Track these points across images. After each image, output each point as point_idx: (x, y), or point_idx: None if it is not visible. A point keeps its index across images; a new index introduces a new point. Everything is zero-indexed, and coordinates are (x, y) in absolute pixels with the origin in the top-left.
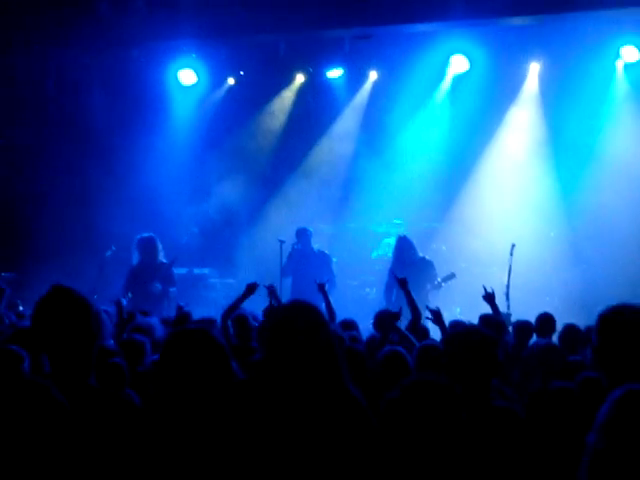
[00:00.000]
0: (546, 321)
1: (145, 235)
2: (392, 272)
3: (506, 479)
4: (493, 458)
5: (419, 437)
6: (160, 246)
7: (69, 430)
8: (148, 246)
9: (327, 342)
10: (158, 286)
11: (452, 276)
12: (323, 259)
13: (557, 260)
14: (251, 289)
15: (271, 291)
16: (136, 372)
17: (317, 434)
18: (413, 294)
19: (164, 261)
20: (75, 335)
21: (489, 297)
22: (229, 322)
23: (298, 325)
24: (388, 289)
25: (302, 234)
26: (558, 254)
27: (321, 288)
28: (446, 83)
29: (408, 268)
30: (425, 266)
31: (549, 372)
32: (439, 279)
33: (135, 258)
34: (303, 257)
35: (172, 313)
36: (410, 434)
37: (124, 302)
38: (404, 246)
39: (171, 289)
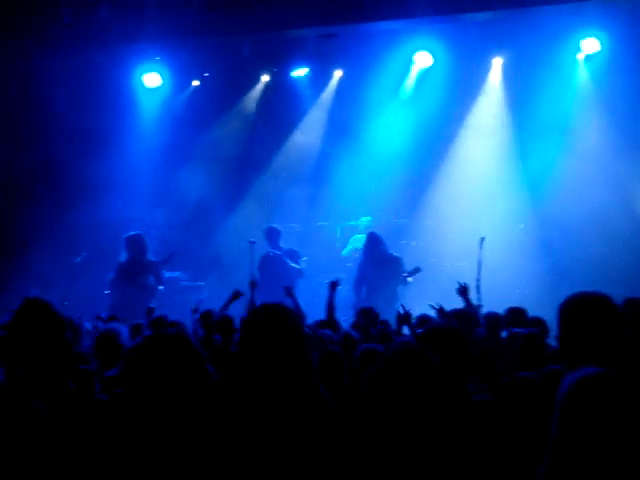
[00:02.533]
0: (516, 313)
1: (133, 233)
2: (360, 268)
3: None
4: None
5: (405, 406)
6: (148, 244)
7: (51, 433)
8: (137, 243)
9: (298, 342)
10: (152, 279)
11: (417, 270)
12: (291, 256)
13: (527, 252)
14: (236, 296)
15: (252, 284)
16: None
17: (286, 431)
18: (383, 290)
19: (152, 259)
20: (51, 345)
21: (462, 291)
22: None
23: (269, 326)
24: (357, 285)
25: (270, 233)
26: (528, 246)
27: (288, 292)
28: (411, 80)
29: (378, 264)
30: (393, 262)
31: (527, 362)
32: (404, 274)
33: (124, 256)
34: (272, 259)
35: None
36: (395, 403)
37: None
38: (374, 242)
39: (160, 287)
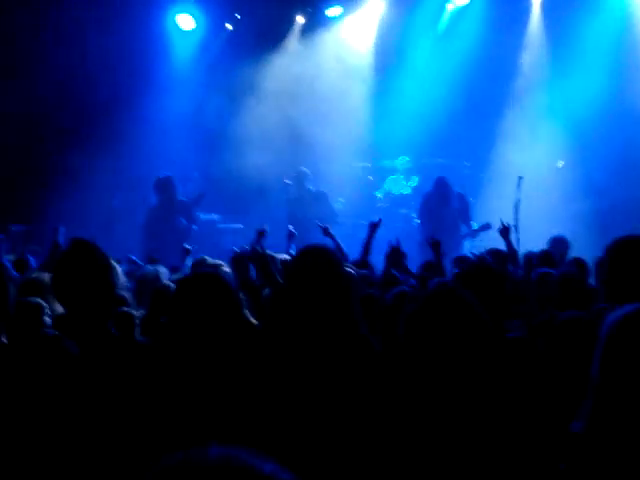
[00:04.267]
0: (547, 257)
1: (163, 176)
2: (427, 205)
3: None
4: (509, 386)
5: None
6: (178, 186)
7: (84, 377)
8: (167, 185)
9: (341, 283)
10: (183, 221)
11: (487, 227)
12: (321, 198)
13: (567, 191)
14: (261, 234)
15: (260, 234)
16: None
17: (329, 373)
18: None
19: (184, 200)
20: (97, 285)
21: (504, 231)
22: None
23: (313, 267)
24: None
25: (299, 176)
26: (568, 185)
27: (326, 232)
28: (447, 17)
29: (446, 209)
30: (463, 208)
31: (565, 302)
32: (475, 227)
33: (154, 199)
34: (300, 202)
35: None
36: (431, 344)
37: None
38: (444, 186)
39: (194, 227)
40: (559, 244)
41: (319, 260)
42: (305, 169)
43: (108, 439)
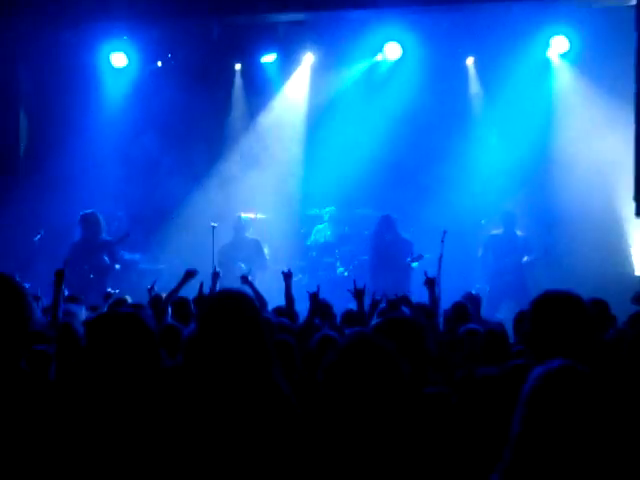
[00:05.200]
0: (460, 310)
1: (88, 211)
2: (373, 251)
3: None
4: (426, 442)
5: (357, 397)
6: (103, 223)
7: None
8: (91, 222)
9: (257, 330)
10: (106, 259)
11: (420, 257)
12: (254, 246)
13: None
14: (189, 275)
15: (215, 275)
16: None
17: (240, 423)
18: (396, 273)
19: (108, 238)
20: (10, 321)
21: (430, 282)
22: (169, 306)
23: (228, 313)
24: (372, 268)
25: (238, 224)
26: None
27: (245, 280)
28: (380, 70)
29: (389, 247)
30: (405, 245)
31: (488, 358)
32: (408, 259)
33: (77, 234)
34: (233, 248)
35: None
36: (348, 394)
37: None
38: (388, 225)
39: (116, 266)
40: (471, 301)
41: (234, 304)
42: (244, 215)
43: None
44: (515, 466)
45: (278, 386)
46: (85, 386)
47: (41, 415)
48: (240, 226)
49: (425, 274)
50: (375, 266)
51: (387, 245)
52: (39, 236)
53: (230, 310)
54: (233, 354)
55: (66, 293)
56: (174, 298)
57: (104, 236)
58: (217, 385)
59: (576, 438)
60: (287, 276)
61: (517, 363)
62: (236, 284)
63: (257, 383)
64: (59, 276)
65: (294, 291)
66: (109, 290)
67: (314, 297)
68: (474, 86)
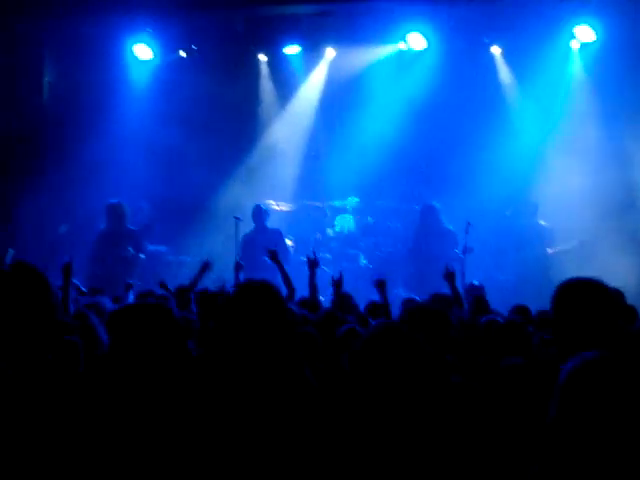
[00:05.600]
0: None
1: (114, 201)
2: (414, 240)
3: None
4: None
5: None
6: (129, 213)
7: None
8: (117, 212)
9: (281, 321)
10: (130, 250)
11: (471, 249)
12: (276, 237)
13: (513, 239)
14: (205, 267)
15: (238, 266)
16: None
17: (267, 413)
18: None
19: (133, 228)
20: (36, 311)
21: (449, 276)
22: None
23: (252, 304)
24: (411, 258)
25: (257, 213)
26: (515, 232)
27: (273, 257)
28: (403, 59)
29: (433, 237)
30: (448, 235)
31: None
32: (456, 251)
33: (103, 224)
34: (255, 239)
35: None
36: (381, 380)
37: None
38: (430, 214)
39: (141, 255)
40: (475, 291)
41: (259, 295)
42: (262, 205)
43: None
44: (555, 456)
45: (306, 378)
46: (115, 378)
47: (72, 406)
48: (259, 215)
49: (446, 268)
50: (416, 258)
51: (431, 235)
52: (64, 228)
53: (255, 301)
54: (258, 345)
55: (78, 284)
56: (196, 290)
57: (129, 226)
58: (241, 378)
59: (618, 426)
60: (312, 263)
61: (543, 353)
62: (259, 274)
63: (284, 373)
64: (67, 269)
65: (318, 283)
66: (130, 281)
67: (337, 284)
68: (500, 76)
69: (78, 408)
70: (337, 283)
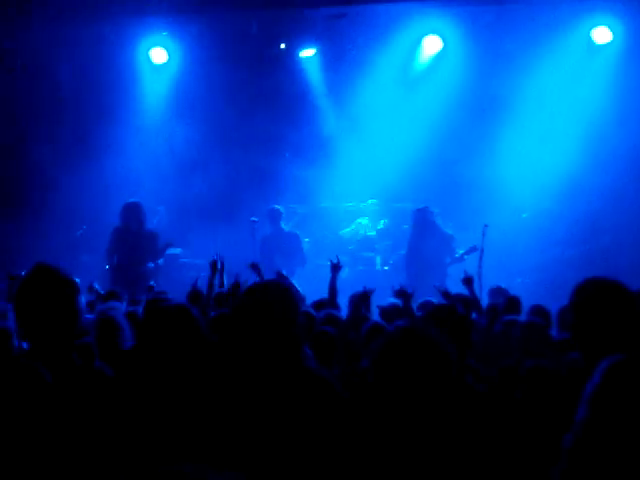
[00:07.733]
0: (512, 303)
1: (132, 200)
2: (410, 244)
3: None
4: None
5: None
6: (146, 213)
7: (56, 405)
8: (135, 211)
9: (290, 320)
10: (148, 251)
11: (474, 249)
12: (293, 240)
13: (531, 242)
14: (214, 266)
15: (254, 267)
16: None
17: (274, 405)
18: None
19: (151, 229)
20: (62, 312)
21: (467, 281)
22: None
23: (257, 303)
24: (408, 262)
25: (273, 214)
26: (532, 236)
27: (334, 268)
28: (420, 62)
29: (430, 240)
30: (446, 239)
31: (529, 350)
32: (461, 252)
33: (119, 223)
34: (273, 240)
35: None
36: (401, 380)
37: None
38: (427, 217)
39: (160, 262)
40: (497, 295)
41: (270, 295)
42: (279, 207)
43: (79, 464)
44: (586, 455)
45: (309, 368)
46: (143, 377)
47: (103, 406)
48: (275, 217)
49: (465, 272)
50: (410, 263)
51: (424, 240)
52: (82, 231)
53: (260, 299)
54: (261, 337)
55: (97, 288)
56: (215, 291)
57: (147, 227)
58: (250, 364)
59: None
60: (335, 267)
61: (568, 356)
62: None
63: (287, 366)
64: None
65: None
66: (151, 283)
67: (335, 268)
68: (516, 79)
69: (110, 406)
70: (335, 267)
